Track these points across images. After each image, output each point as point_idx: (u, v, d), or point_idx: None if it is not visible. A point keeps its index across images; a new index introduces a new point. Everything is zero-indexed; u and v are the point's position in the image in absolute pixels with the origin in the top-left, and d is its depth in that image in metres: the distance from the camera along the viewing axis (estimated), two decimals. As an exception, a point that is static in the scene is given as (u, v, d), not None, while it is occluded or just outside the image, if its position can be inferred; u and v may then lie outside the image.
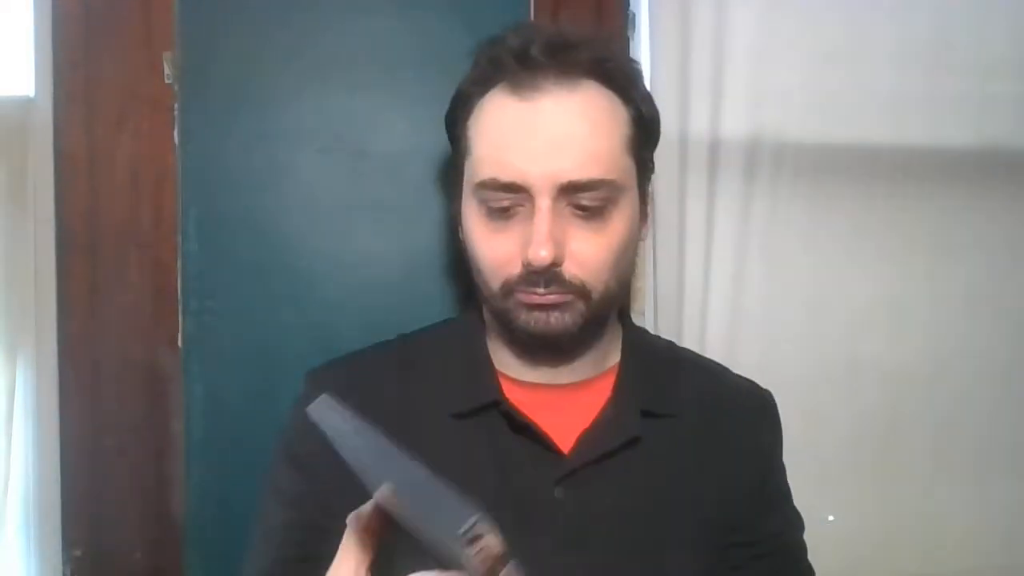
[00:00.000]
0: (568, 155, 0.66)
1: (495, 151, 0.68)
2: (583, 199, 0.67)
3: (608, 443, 0.71)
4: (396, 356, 0.77)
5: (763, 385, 0.84)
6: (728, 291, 1.07)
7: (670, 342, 0.87)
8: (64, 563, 0.91)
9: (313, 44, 0.95)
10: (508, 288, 0.69)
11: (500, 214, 0.69)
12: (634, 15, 1.06)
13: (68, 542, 0.92)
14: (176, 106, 0.93)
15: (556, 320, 0.69)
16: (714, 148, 1.06)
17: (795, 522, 0.79)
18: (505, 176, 0.67)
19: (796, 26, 1.08)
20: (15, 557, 0.91)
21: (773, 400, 0.83)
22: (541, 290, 0.68)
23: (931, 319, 1.14)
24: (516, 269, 0.68)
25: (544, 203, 0.66)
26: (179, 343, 0.93)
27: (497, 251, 0.69)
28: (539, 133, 0.67)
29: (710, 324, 1.07)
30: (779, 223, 1.09)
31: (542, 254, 0.65)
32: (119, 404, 0.93)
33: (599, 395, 0.75)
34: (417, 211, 0.97)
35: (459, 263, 0.87)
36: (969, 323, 1.15)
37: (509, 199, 0.67)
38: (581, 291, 0.68)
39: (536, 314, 0.69)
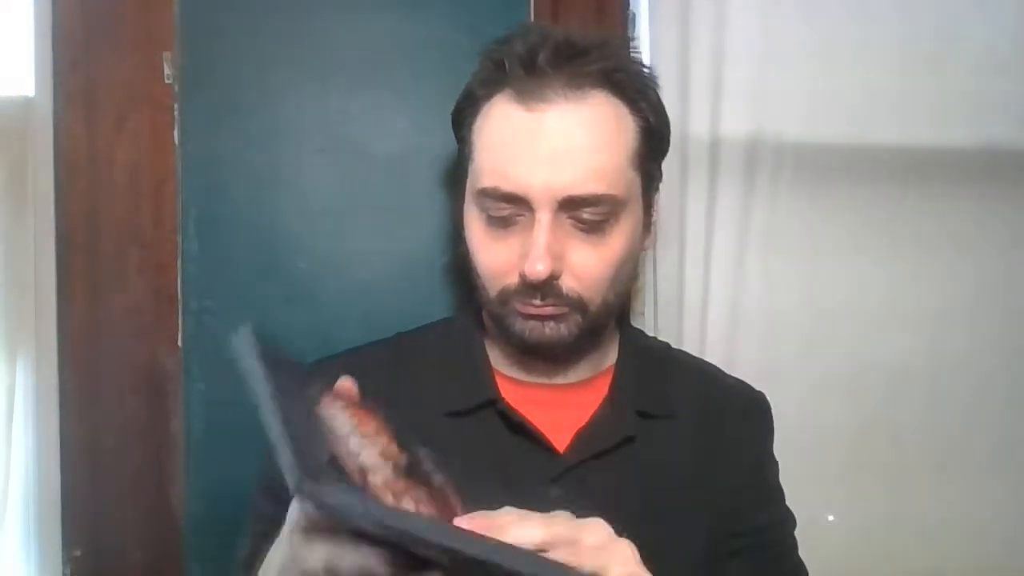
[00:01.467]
0: (570, 169, 0.66)
1: (497, 161, 0.68)
2: (584, 214, 0.67)
3: (604, 442, 0.72)
4: (393, 353, 0.78)
5: (763, 385, 0.84)
6: (728, 291, 1.07)
7: (665, 343, 0.88)
8: (64, 563, 0.91)
9: (313, 44, 0.95)
10: (505, 296, 0.69)
11: (500, 222, 0.68)
12: (634, 15, 1.05)
13: (68, 542, 0.92)
14: (176, 106, 0.93)
15: (551, 330, 0.69)
16: (714, 148, 1.06)
17: (786, 517, 0.80)
18: (506, 187, 0.66)
19: (797, 26, 1.08)
20: (15, 557, 0.91)
21: (766, 400, 0.83)
22: (537, 302, 0.68)
23: (932, 319, 1.14)
24: (514, 279, 0.68)
25: (544, 216, 0.66)
26: (179, 343, 0.93)
27: (495, 259, 0.69)
28: (542, 145, 0.66)
29: (710, 324, 1.07)
30: (779, 223, 1.09)
31: (539, 268, 0.65)
32: (119, 404, 0.92)
33: (595, 395, 0.75)
34: (417, 211, 0.97)
35: (459, 263, 0.88)
36: (971, 322, 1.15)
37: (509, 209, 0.67)
38: (578, 304, 0.68)
39: (532, 323, 0.69)
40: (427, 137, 0.94)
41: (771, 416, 0.83)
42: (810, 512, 0.80)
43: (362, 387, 0.75)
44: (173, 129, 0.93)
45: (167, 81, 0.93)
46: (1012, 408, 1.17)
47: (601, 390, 0.75)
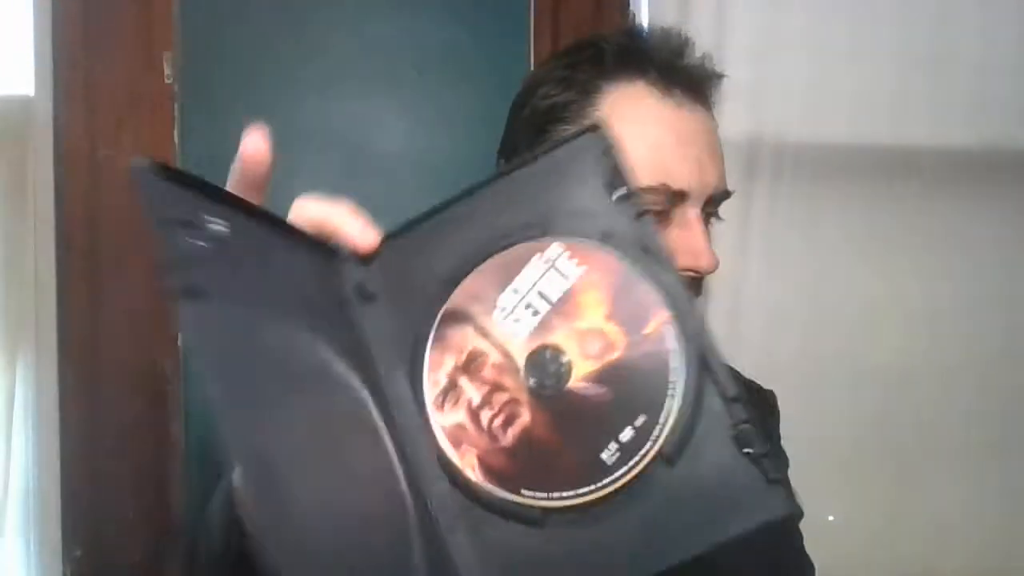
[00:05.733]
0: (716, 166, 0.68)
1: (658, 155, 0.66)
2: (711, 209, 0.69)
3: None
4: None
5: (764, 385, 0.84)
6: (728, 291, 1.07)
7: None
8: (64, 563, 0.91)
9: (313, 44, 0.95)
10: None
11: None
12: (634, 15, 1.05)
13: (68, 542, 0.92)
14: (176, 106, 0.93)
15: None
16: (714, 148, 1.06)
17: None
18: (675, 183, 0.65)
19: (796, 25, 1.08)
20: (15, 557, 0.91)
21: (775, 396, 0.84)
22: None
23: (932, 318, 1.14)
24: None
25: (696, 212, 0.67)
26: (179, 344, 0.93)
27: None
28: (696, 143, 0.67)
29: (710, 324, 1.07)
30: (779, 223, 1.09)
31: (715, 260, 0.66)
32: (119, 404, 0.92)
33: None
34: (417, 212, 0.96)
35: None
36: (971, 322, 1.15)
37: (664, 205, 0.66)
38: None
39: None
40: (428, 137, 0.94)
41: (779, 413, 0.84)
42: (810, 512, 0.80)
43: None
44: (173, 129, 0.93)
45: (167, 81, 0.93)
46: (1012, 408, 1.17)
47: None
